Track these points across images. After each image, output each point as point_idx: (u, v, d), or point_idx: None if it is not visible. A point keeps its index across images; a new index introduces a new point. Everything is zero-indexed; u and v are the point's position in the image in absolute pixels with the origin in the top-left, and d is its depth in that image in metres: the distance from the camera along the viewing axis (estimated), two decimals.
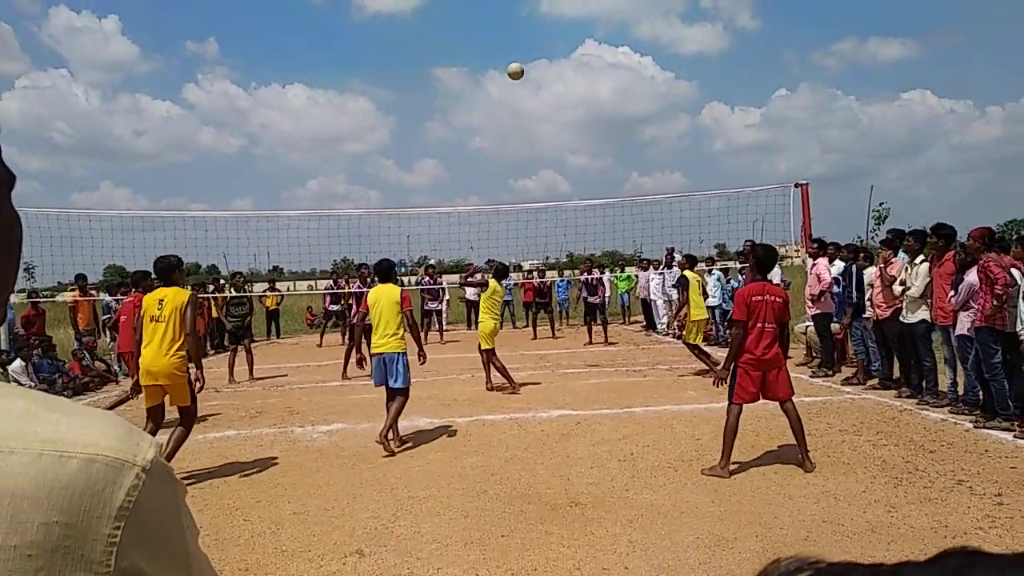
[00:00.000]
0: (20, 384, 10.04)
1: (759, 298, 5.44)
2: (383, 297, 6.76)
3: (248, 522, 4.83)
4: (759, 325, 5.42)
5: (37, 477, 0.58)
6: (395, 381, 6.65)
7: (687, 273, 10.35)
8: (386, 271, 7.08)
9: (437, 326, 17.21)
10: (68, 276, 14.13)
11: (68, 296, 13.06)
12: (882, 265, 8.16)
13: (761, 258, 5.79)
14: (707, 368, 9.56)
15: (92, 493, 0.60)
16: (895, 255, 8.11)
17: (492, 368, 9.53)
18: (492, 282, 9.77)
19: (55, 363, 11.12)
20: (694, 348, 10.01)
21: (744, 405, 5.50)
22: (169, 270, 5.94)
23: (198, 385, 5.86)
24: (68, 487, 0.59)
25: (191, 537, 0.69)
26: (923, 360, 7.68)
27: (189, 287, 6.22)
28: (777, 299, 5.49)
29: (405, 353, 6.72)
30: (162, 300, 5.76)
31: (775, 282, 6.01)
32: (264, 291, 18.93)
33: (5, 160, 0.72)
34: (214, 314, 16.17)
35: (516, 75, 10.34)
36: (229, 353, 12.03)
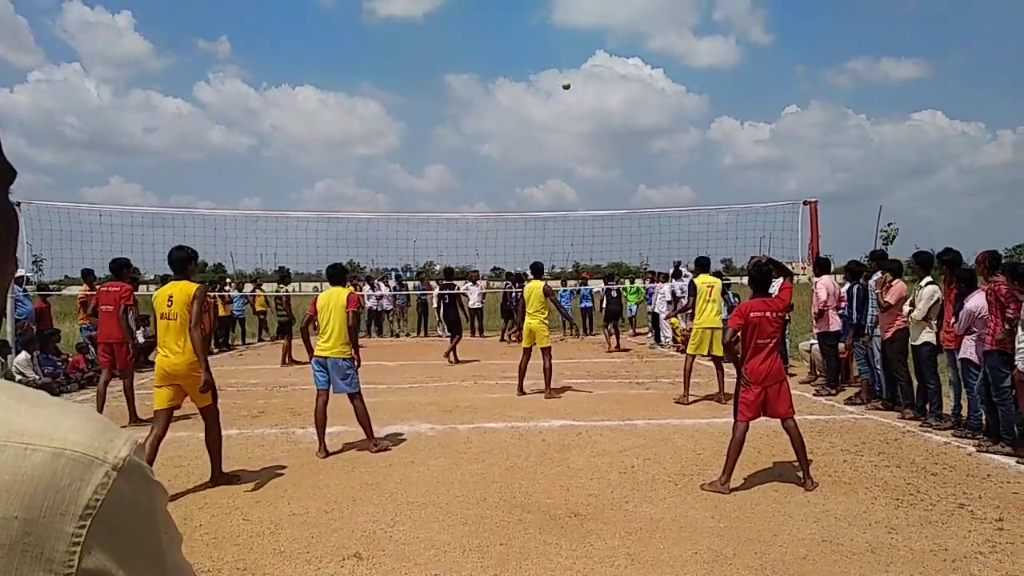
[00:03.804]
0: (25, 376, 10.09)
1: (758, 314, 5.45)
2: (332, 301, 6.69)
3: (247, 522, 4.84)
4: (757, 341, 5.43)
5: None
6: (348, 386, 6.68)
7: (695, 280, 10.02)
8: (338, 275, 7.00)
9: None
10: (76, 270, 14.21)
11: (80, 291, 13.19)
12: (879, 290, 8.17)
13: (752, 276, 5.81)
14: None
15: (56, 489, 0.57)
16: (894, 279, 8.11)
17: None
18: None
19: (51, 358, 11.17)
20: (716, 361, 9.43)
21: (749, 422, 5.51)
22: (185, 262, 5.65)
23: (201, 384, 5.48)
24: (30, 481, 0.56)
25: (170, 543, 0.66)
26: (927, 382, 7.67)
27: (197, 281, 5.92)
28: (779, 313, 5.53)
29: (351, 358, 6.70)
30: (171, 296, 5.48)
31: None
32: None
33: (12, 153, 0.70)
34: (220, 312, 16.29)
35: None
36: (284, 340, 13.92)
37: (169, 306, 5.48)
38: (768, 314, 5.46)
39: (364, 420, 6.72)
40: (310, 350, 6.88)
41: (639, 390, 10.10)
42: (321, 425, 6.66)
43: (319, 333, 6.79)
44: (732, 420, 5.59)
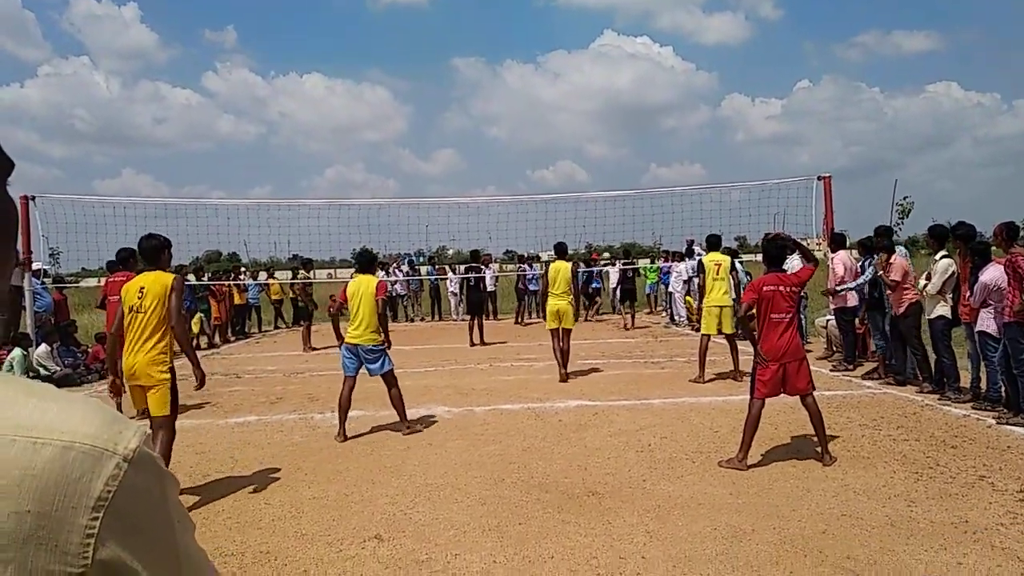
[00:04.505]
0: (46, 368, 10.23)
1: (771, 288, 5.42)
2: (362, 289, 6.73)
3: (269, 506, 4.91)
4: (772, 317, 5.41)
5: (8, 464, 0.56)
6: (382, 367, 6.75)
7: (703, 258, 10.00)
8: (367, 263, 7.02)
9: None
10: (92, 262, 14.35)
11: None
12: (881, 272, 8.10)
13: (766, 249, 5.76)
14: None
15: (68, 482, 0.58)
16: (890, 256, 8.05)
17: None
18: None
19: (71, 349, 11.31)
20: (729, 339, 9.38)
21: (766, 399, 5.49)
22: (157, 250, 5.15)
23: (196, 383, 5.16)
24: (41, 475, 0.57)
25: (182, 531, 0.67)
26: (941, 356, 7.62)
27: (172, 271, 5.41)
28: (793, 288, 5.48)
29: (382, 344, 6.76)
30: (143, 288, 4.94)
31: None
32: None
33: (25, 147, 0.68)
34: (236, 300, 16.42)
35: None
36: (303, 329, 14.29)
37: (140, 298, 4.93)
38: (782, 288, 5.42)
39: (398, 404, 6.81)
40: (339, 336, 6.92)
41: (655, 369, 10.09)
42: (344, 410, 6.70)
43: (349, 320, 6.84)
44: (748, 397, 5.58)
